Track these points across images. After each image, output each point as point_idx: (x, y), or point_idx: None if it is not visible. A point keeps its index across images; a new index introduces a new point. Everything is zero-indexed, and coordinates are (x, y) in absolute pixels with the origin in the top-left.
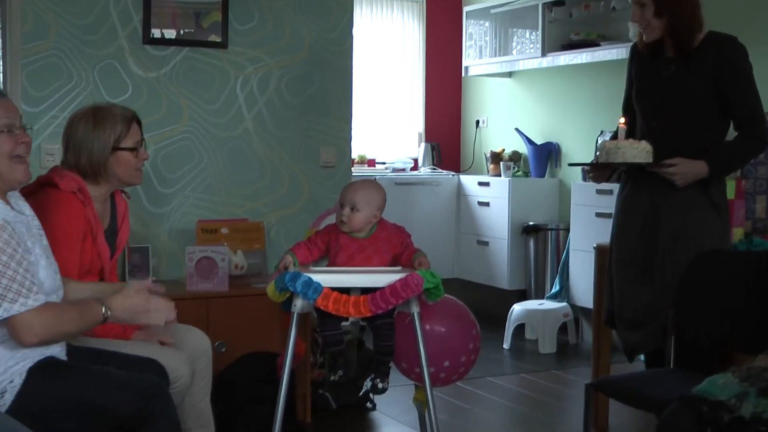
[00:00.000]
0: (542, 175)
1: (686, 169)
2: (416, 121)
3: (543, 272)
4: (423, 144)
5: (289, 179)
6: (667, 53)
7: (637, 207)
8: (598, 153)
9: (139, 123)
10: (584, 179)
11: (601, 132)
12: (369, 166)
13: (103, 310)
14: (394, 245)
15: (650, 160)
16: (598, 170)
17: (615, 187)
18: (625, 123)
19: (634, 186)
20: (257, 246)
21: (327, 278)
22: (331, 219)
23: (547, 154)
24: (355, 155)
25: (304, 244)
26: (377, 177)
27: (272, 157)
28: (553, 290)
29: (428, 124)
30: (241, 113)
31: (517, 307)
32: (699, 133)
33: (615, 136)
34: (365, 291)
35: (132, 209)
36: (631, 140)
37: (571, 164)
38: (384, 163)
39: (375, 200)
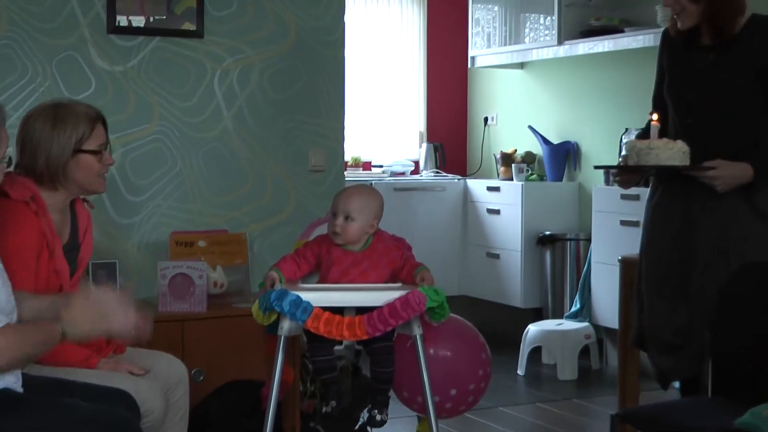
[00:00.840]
0: (559, 179)
1: (728, 173)
2: (417, 119)
3: (561, 288)
4: (425, 145)
5: (273, 185)
6: (704, 41)
7: (670, 215)
8: (625, 154)
9: (104, 123)
10: (607, 182)
11: (626, 130)
12: (364, 169)
13: (59, 327)
14: (392, 259)
15: (687, 162)
16: (626, 174)
17: (642, 192)
18: (657, 120)
19: (667, 191)
20: (239, 261)
21: (318, 297)
22: (322, 229)
23: (564, 155)
24: (348, 158)
25: (291, 258)
26: (373, 182)
27: (255, 160)
28: (573, 308)
29: (430, 123)
30: (219, 111)
31: (533, 328)
32: (741, 131)
33: (642, 135)
34: (361, 311)
35: (96, 220)
36: (665, 140)
37: (597, 167)
38: (381, 167)
39: (371, 208)
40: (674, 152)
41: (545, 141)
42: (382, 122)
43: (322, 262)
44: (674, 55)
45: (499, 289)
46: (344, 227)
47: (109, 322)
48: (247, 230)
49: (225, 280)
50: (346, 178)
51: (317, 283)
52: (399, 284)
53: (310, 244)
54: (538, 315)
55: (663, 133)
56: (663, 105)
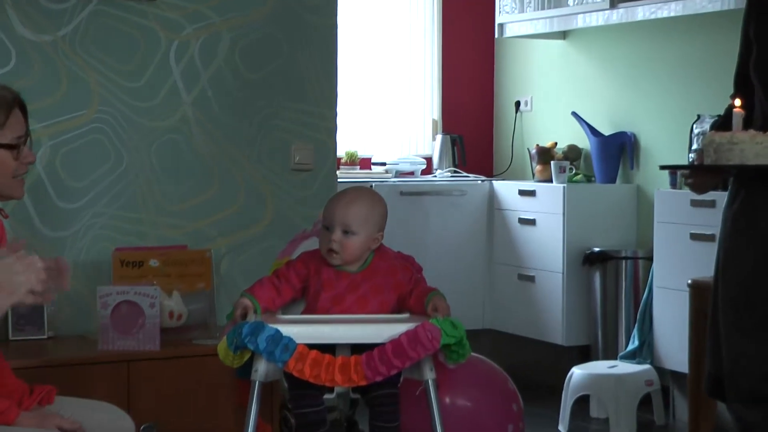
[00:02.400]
0: (612, 180)
1: None
2: (429, 105)
3: (614, 320)
4: (439, 137)
5: (246, 189)
6: None
7: (755, 227)
8: (698, 148)
9: (23, 109)
10: (674, 185)
11: (698, 117)
12: (362, 168)
13: None
14: (398, 282)
15: None
16: (700, 175)
17: (719, 197)
18: (741, 106)
19: (751, 197)
20: (201, 285)
21: (302, 331)
22: (309, 245)
23: (618, 150)
24: (341, 153)
25: (269, 281)
26: (374, 184)
27: (222, 157)
28: (631, 346)
29: (447, 109)
30: (176, 94)
31: (578, 372)
32: None
33: (721, 124)
34: (357, 349)
35: (15, 233)
36: (751, 131)
37: (663, 167)
38: (383, 164)
39: (375, 218)
40: (763, 147)
41: (593, 132)
42: (385, 108)
43: (310, 286)
44: (764, 21)
45: (534, 321)
46: (343, 244)
47: (15, 293)
48: (213, 246)
49: (183, 310)
50: (339, 180)
51: (302, 313)
52: (406, 315)
53: (293, 263)
54: (584, 355)
55: (748, 123)
56: (749, 86)
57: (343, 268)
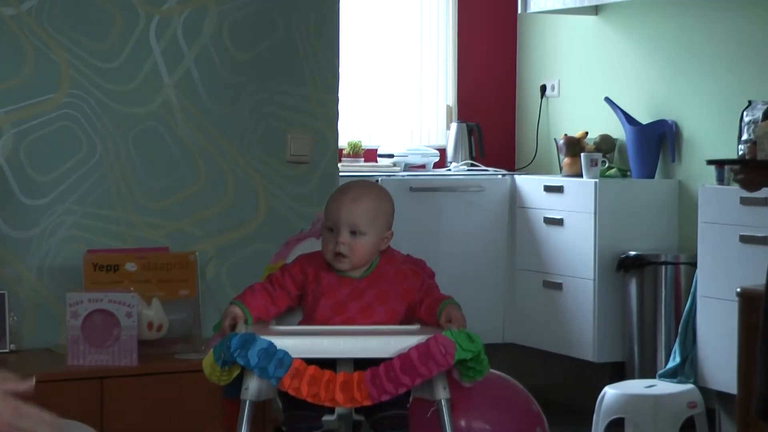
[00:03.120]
0: (650, 175)
1: None
2: (443, 89)
3: (653, 334)
4: (454, 125)
5: (236, 184)
6: None
7: None
8: (750, 139)
9: None
10: (720, 180)
11: (749, 104)
12: (367, 161)
13: None
14: (407, 289)
15: None
16: (753, 171)
17: None
18: None
19: None
20: (185, 292)
21: (300, 343)
22: (306, 247)
23: (657, 141)
24: (343, 144)
25: (261, 288)
26: (380, 179)
27: (209, 147)
28: (671, 364)
29: (463, 94)
30: (157, 76)
31: (612, 392)
32: None
33: None
34: (361, 365)
35: None
36: None
37: (710, 162)
38: (391, 156)
39: (384, 215)
40: None
41: (629, 120)
42: (392, 94)
43: (307, 293)
44: None
45: (561, 334)
46: (352, 246)
47: None
48: (198, 248)
49: (164, 320)
50: (341, 174)
51: (299, 323)
52: (416, 326)
53: (289, 267)
54: (619, 373)
55: None
56: None
57: (346, 273)
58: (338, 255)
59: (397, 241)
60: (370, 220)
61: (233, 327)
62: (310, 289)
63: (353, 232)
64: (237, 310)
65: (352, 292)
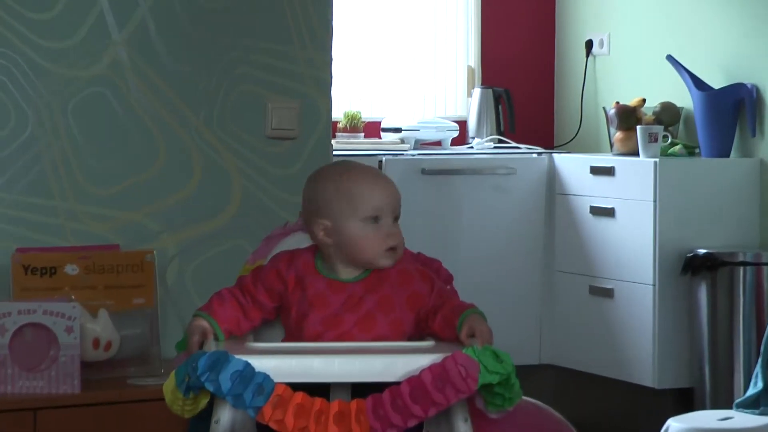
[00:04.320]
0: (724, 153)
1: None
2: (464, 48)
3: (728, 353)
4: (478, 92)
5: (204, 165)
6: None
7: None
8: None
9: None
10: None
11: None
12: (367, 136)
13: None
14: (415, 294)
15: None
16: None
17: None
18: None
19: None
20: (140, 301)
21: (283, 364)
22: (292, 244)
23: (733, 110)
24: (338, 115)
25: (231, 296)
26: (384, 159)
27: (169, 119)
28: (752, 390)
29: (488, 53)
30: (103, 30)
31: (677, 426)
32: None
33: None
34: (360, 391)
35: None
36: None
37: None
38: (398, 131)
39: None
40: None
41: (698, 84)
42: (400, 53)
43: (290, 305)
44: None
45: (613, 353)
46: (400, 236)
47: None
48: (156, 246)
49: (114, 337)
50: (335, 152)
51: (283, 341)
52: (430, 342)
53: (261, 275)
54: (686, 402)
55: None
56: None
57: (337, 277)
58: (391, 251)
59: (405, 235)
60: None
61: (200, 345)
62: (293, 300)
63: (396, 219)
64: (204, 324)
65: (347, 300)
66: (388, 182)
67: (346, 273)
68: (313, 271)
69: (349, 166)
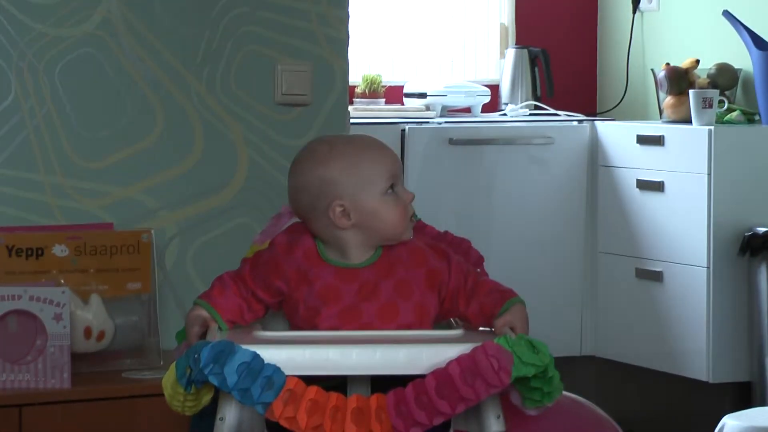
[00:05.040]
0: None
1: None
2: (497, 4)
3: None
4: (512, 52)
5: (206, 134)
6: None
7: None
8: None
9: None
10: None
11: None
12: (389, 102)
13: None
14: (433, 270)
15: None
16: None
17: None
18: None
19: None
20: (135, 286)
21: (296, 355)
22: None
23: None
24: (356, 79)
25: (233, 282)
26: (408, 128)
27: (167, 84)
28: None
29: (523, 9)
30: None
31: (733, 423)
32: None
33: None
34: (381, 385)
35: None
36: None
37: None
38: (423, 96)
39: None
40: None
41: (758, 43)
42: (424, 10)
43: (295, 301)
44: None
45: (662, 343)
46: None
47: None
48: (153, 225)
49: (108, 325)
50: (353, 121)
51: (291, 330)
52: (458, 331)
53: (260, 269)
54: (743, 397)
55: None
56: None
57: (347, 262)
58: (411, 221)
59: (432, 212)
60: None
61: (202, 335)
62: (298, 297)
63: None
64: (204, 314)
65: (361, 288)
66: (389, 147)
67: (358, 257)
68: (317, 261)
69: (339, 139)
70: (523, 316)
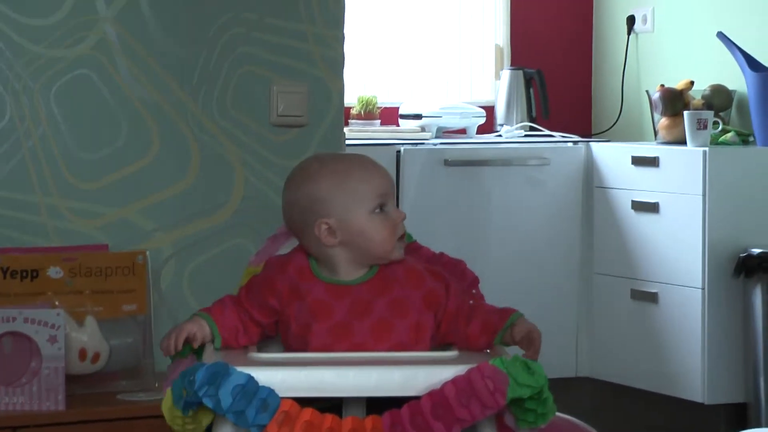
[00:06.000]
0: None
1: None
2: (492, 25)
3: None
4: (507, 74)
5: (202, 155)
6: None
7: None
8: None
9: None
10: None
11: None
12: (384, 123)
13: None
14: (431, 292)
15: None
16: None
17: None
18: None
19: None
20: (131, 307)
21: (291, 377)
22: (297, 242)
23: None
24: (352, 100)
25: (232, 304)
26: (403, 149)
27: (163, 105)
28: None
29: (519, 31)
30: (90, 5)
31: None
32: None
33: None
34: (376, 406)
35: None
36: None
37: None
38: (419, 117)
39: None
40: None
41: (753, 64)
42: (420, 31)
43: (288, 319)
44: None
45: (657, 364)
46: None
47: None
48: (149, 246)
49: (103, 347)
50: (348, 141)
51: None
52: (454, 352)
53: (255, 290)
54: (739, 418)
55: None
56: None
57: (338, 279)
58: (400, 240)
59: (427, 233)
60: None
61: (194, 352)
62: (290, 313)
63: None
64: (203, 327)
65: (353, 305)
66: (381, 166)
67: (349, 274)
68: (309, 277)
69: (331, 157)
70: (536, 329)
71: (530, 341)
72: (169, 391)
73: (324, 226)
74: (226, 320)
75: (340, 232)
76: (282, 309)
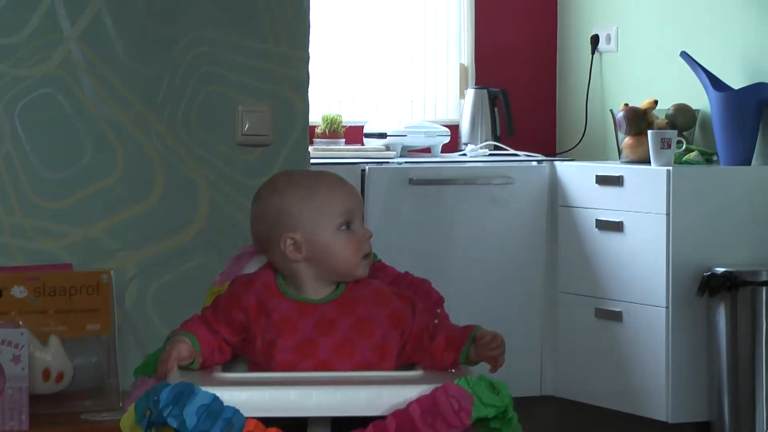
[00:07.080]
0: (745, 161)
1: None
2: (456, 44)
3: (750, 383)
4: (471, 93)
5: (167, 174)
6: None
7: None
8: None
9: None
10: None
11: None
12: (348, 142)
13: None
14: (395, 312)
15: None
16: None
17: None
18: None
19: None
20: (95, 327)
21: (255, 397)
22: (262, 262)
23: (755, 113)
24: (316, 119)
25: (201, 321)
26: (368, 168)
27: (128, 124)
28: None
29: (483, 50)
30: (54, 25)
31: None
32: None
33: None
34: (341, 426)
35: None
36: None
37: None
38: (383, 136)
39: None
40: None
41: (716, 84)
42: (385, 50)
43: (254, 335)
44: None
45: (622, 383)
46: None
47: None
48: (113, 265)
49: (67, 367)
50: (313, 160)
51: (250, 371)
52: (419, 371)
53: (222, 307)
54: None
55: None
56: None
57: (304, 296)
58: (365, 258)
59: (392, 252)
60: None
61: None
62: (256, 329)
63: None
64: (185, 345)
65: (318, 323)
66: (349, 184)
67: (315, 292)
68: (276, 293)
69: (300, 173)
70: (497, 336)
71: (496, 344)
72: (132, 407)
73: (290, 241)
74: (205, 337)
75: (305, 247)
76: (249, 324)
